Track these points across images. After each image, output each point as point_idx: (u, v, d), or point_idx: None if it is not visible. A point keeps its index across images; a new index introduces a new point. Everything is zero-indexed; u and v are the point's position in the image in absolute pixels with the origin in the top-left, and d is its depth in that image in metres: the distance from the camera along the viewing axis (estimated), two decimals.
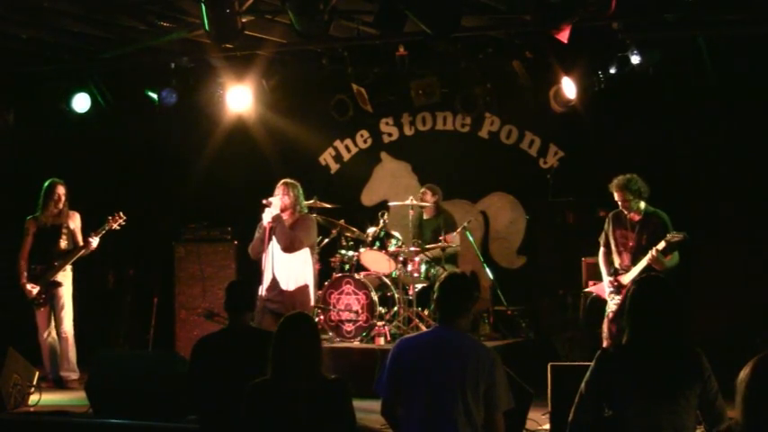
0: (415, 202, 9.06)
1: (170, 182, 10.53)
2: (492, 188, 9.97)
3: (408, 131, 10.28)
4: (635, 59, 7.93)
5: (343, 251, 8.95)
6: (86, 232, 8.30)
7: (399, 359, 4.30)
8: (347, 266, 8.87)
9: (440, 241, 8.98)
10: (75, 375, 8.28)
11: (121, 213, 8.27)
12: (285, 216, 7.13)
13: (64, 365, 8.29)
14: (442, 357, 4.20)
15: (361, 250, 8.90)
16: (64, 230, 8.30)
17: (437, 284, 4.40)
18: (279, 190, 7.21)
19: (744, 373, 2.98)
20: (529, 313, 9.24)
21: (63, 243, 8.29)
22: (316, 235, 7.53)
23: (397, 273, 8.71)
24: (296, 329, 4.17)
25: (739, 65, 8.32)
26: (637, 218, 7.11)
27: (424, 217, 9.48)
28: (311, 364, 4.09)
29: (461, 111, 9.59)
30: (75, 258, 8.28)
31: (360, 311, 8.49)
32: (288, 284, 7.10)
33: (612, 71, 8.20)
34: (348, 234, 8.98)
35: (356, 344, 8.38)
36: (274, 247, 7.07)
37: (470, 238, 9.20)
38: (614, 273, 7.19)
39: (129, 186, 10.39)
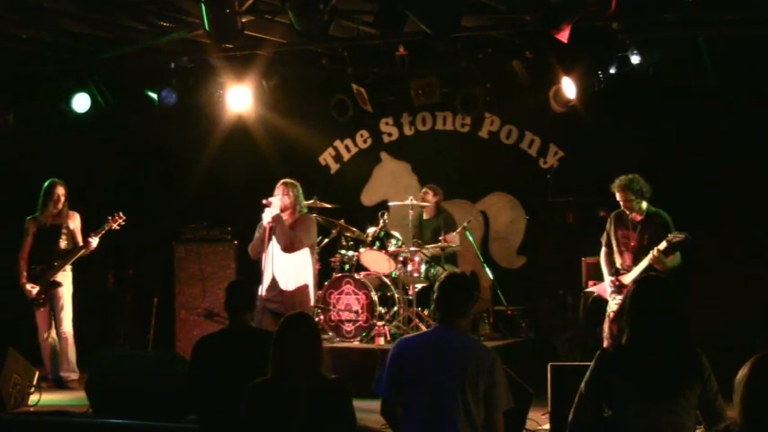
0: (415, 201, 9.06)
1: (170, 182, 10.53)
2: (492, 188, 9.98)
3: (408, 131, 10.28)
4: (635, 59, 7.93)
5: (343, 251, 8.95)
6: (86, 232, 8.30)
7: (399, 359, 4.30)
8: (347, 266, 8.87)
9: (440, 241, 8.98)
10: (75, 375, 8.28)
11: (121, 213, 8.27)
12: (285, 216, 7.13)
13: (64, 365, 8.29)
14: (442, 357, 4.20)
15: (361, 250, 8.90)
16: (64, 230, 8.30)
17: (437, 284, 4.40)
18: (279, 190, 7.21)
19: (742, 373, 2.98)
20: (529, 313, 9.24)
21: (63, 243, 8.29)
22: (315, 235, 7.53)
23: (397, 273, 8.72)
24: (296, 329, 4.17)
25: (739, 65, 8.32)
26: (638, 218, 7.11)
27: (425, 217, 9.49)
28: (311, 363, 4.09)
29: (461, 111, 9.59)
30: (74, 258, 8.28)
31: (360, 311, 8.49)
32: (287, 284, 7.10)
33: (612, 71, 8.20)
34: (348, 234, 8.98)
35: (356, 344, 8.37)
36: (274, 247, 7.07)
37: (470, 238, 9.20)
38: (616, 273, 7.19)
39: (129, 186, 10.40)
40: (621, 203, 7.12)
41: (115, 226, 8.26)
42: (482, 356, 4.22)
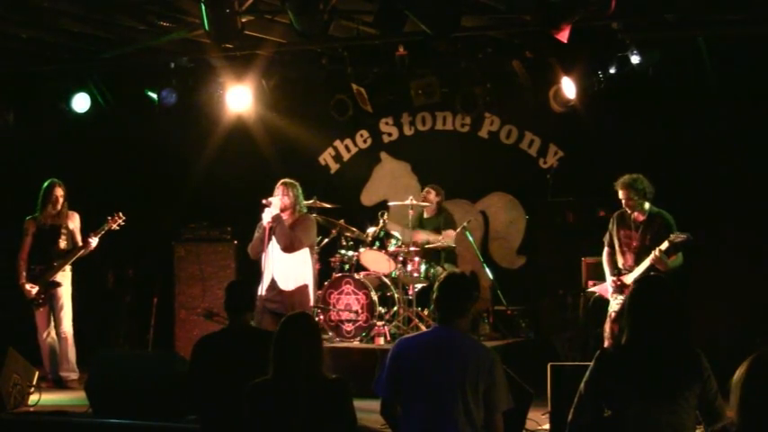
0: (415, 201, 9.07)
1: (170, 182, 10.53)
2: (492, 188, 9.98)
3: (408, 131, 10.28)
4: (635, 59, 7.93)
5: (342, 251, 8.96)
6: (86, 232, 8.30)
7: (399, 359, 4.30)
8: (347, 266, 8.88)
9: (439, 234, 9.00)
10: (74, 375, 8.28)
11: (121, 214, 8.27)
12: (285, 216, 7.13)
13: (63, 365, 8.29)
14: (442, 357, 4.19)
15: (361, 250, 8.90)
16: (63, 231, 8.30)
17: (436, 284, 4.39)
18: (278, 190, 7.21)
19: (739, 373, 2.98)
20: (529, 313, 9.25)
21: (62, 243, 8.29)
22: (315, 235, 7.53)
23: (397, 273, 8.72)
24: (297, 329, 4.17)
25: (739, 65, 8.32)
26: (641, 218, 7.11)
27: (425, 216, 9.49)
28: (312, 363, 4.09)
29: (461, 111, 9.59)
30: (74, 258, 8.28)
31: (359, 311, 8.50)
32: (287, 284, 7.10)
33: (612, 71, 8.19)
34: (348, 234, 8.98)
35: (356, 344, 8.38)
36: (274, 246, 7.07)
37: (470, 238, 9.21)
38: (617, 273, 7.19)
39: (129, 186, 10.39)
40: (623, 202, 7.11)
41: (115, 226, 8.26)
42: (482, 356, 4.22)
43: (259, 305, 6.77)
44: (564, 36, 6.58)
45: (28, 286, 8.23)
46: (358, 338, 8.45)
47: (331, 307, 8.56)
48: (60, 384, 8.23)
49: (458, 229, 9.14)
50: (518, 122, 9.84)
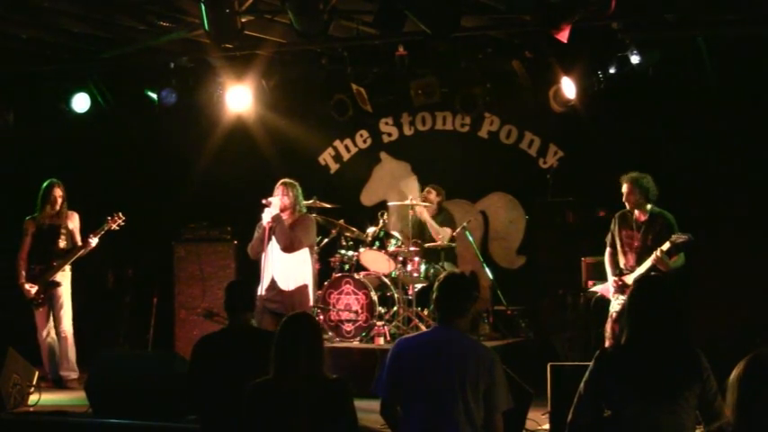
0: (414, 201, 9.07)
1: (170, 182, 10.53)
2: (491, 188, 9.98)
3: (408, 131, 10.28)
4: (635, 59, 7.93)
5: (342, 251, 8.96)
6: (86, 232, 8.30)
7: (399, 359, 4.30)
8: (347, 266, 8.88)
9: (439, 240, 9.01)
10: (74, 375, 8.28)
11: (120, 214, 8.27)
12: (285, 216, 7.13)
13: (63, 365, 8.29)
14: (442, 357, 4.19)
15: (361, 250, 8.90)
16: (62, 231, 8.30)
17: (436, 284, 4.39)
18: (278, 190, 7.21)
19: (735, 373, 2.98)
20: (529, 313, 9.24)
21: (62, 243, 8.29)
22: (315, 235, 7.53)
23: (397, 273, 8.72)
24: (298, 329, 4.17)
25: (739, 65, 8.32)
26: (642, 218, 7.10)
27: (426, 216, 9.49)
28: (313, 363, 4.09)
29: (461, 111, 9.59)
30: (73, 258, 8.28)
31: (359, 311, 8.50)
32: (287, 284, 7.10)
33: (612, 71, 8.19)
34: (348, 234, 8.98)
35: (356, 344, 8.38)
36: (274, 247, 7.07)
37: (470, 238, 9.21)
38: (619, 273, 7.18)
39: (129, 186, 10.39)
40: (624, 196, 7.10)
41: (114, 226, 8.26)
42: (482, 356, 4.22)
43: (259, 305, 6.77)
44: (564, 36, 6.58)
45: (27, 286, 8.23)
46: (358, 338, 8.45)
47: (331, 307, 8.56)
48: (60, 384, 8.23)
49: (457, 229, 9.14)
50: (518, 122, 9.83)
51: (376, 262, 8.90)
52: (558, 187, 9.14)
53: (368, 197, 10.42)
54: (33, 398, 7.36)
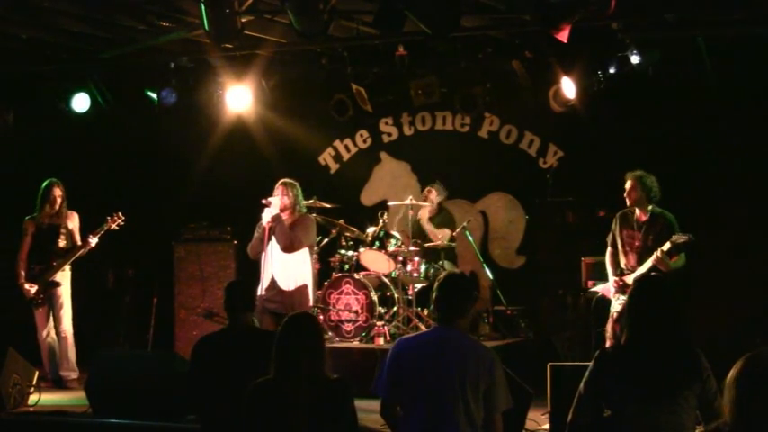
0: (414, 201, 9.07)
1: (170, 182, 10.53)
2: (491, 188, 9.98)
3: (408, 131, 10.28)
4: (635, 59, 7.93)
5: (342, 251, 8.96)
6: (86, 232, 8.30)
7: (399, 359, 4.30)
8: (347, 266, 8.88)
9: (439, 240, 9.01)
10: (74, 375, 8.28)
11: (120, 214, 8.27)
12: (284, 216, 7.14)
13: (63, 365, 8.29)
14: (442, 357, 4.19)
15: (361, 250, 8.90)
16: (62, 230, 8.30)
17: (436, 284, 4.39)
18: (278, 190, 7.21)
19: (732, 372, 2.98)
20: (528, 313, 9.24)
21: (61, 243, 8.29)
22: (315, 235, 7.54)
23: (397, 273, 8.72)
24: (299, 329, 4.16)
25: (739, 65, 8.32)
26: (643, 218, 7.10)
27: (426, 216, 9.49)
28: (314, 364, 4.08)
29: (461, 110, 9.59)
30: (73, 258, 8.28)
31: (359, 311, 8.50)
32: (287, 284, 7.11)
33: (612, 71, 8.19)
34: (348, 234, 8.98)
35: (356, 344, 8.38)
36: (273, 247, 7.07)
37: (470, 238, 9.21)
38: (620, 273, 7.18)
39: (129, 186, 10.39)
40: (626, 192, 7.09)
41: (114, 226, 8.26)
42: (482, 356, 4.22)
43: (258, 305, 6.77)
44: (564, 36, 6.57)
45: (27, 286, 8.23)
46: (358, 338, 8.45)
47: (331, 307, 8.56)
48: (60, 384, 8.22)
49: (457, 230, 9.14)
50: (518, 122, 9.83)
51: (376, 262, 8.90)
52: (557, 187, 9.14)
53: (368, 197, 10.41)
54: (33, 398, 7.37)
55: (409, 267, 8.79)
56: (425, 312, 8.62)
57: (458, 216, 9.52)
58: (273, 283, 7.10)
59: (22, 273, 8.26)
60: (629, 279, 7.02)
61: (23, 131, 9.90)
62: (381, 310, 8.58)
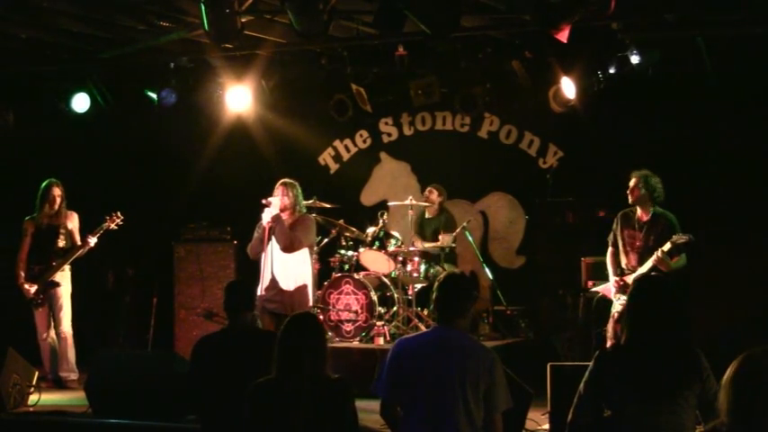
0: (414, 201, 9.06)
1: (170, 182, 10.53)
2: (491, 188, 9.99)
3: (408, 131, 10.28)
4: (634, 59, 7.93)
5: (342, 251, 8.96)
6: (85, 232, 8.30)
7: (399, 359, 4.30)
8: (347, 266, 8.88)
9: (439, 240, 9.00)
10: (74, 375, 8.27)
11: (119, 213, 8.26)
12: (284, 216, 7.13)
13: (63, 365, 8.28)
14: (442, 357, 4.19)
15: (361, 250, 8.90)
16: (62, 231, 8.29)
17: (436, 284, 4.39)
18: (278, 190, 7.21)
19: (729, 372, 2.98)
20: (528, 313, 9.24)
21: (61, 243, 8.28)
22: (315, 235, 7.54)
23: (397, 273, 8.71)
24: (302, 329, 4.16)
25: (739, 65, 8.32)
26: (645, 218, 7.09)
27: (426, 216, 9.50)
28: (317, 363, 4.08)
29: (461, 111, 9.59)
30: (72, 258, 8.27)
31: (359, 311, 8.50)
32: (287, 284, 7.11)
33: (612, 71, 8.19)
34: (347, 234, 8.98)
35: (355, 344, 8.38)
36: (273, 247, 7.07)
37: (470, 238, 9.21)
38: (621, 273, 7.17)
39: (129, 186, 10.39)
40: (629, 189, 7.08)
41: (113, 226, 8.25)
42: (482, 356, 4.22)
43: (258, 305, 6.78)
44: (564, 36, 6.57)
45: (27, 286, 8.22)
46: (357, 338, 8.45)
47: (330, 307, 8.56)
48: (60, 384, 8.22)
49: (457, 230, 9.13)
50: (518, 122, 9.84)
51: (376, 262, 8.90)
52: (557, 187, 9.14)
53: (368, 197, 10.42)
54: (33, 398, 7.36)
55: (409, 267, 8.79)
56: (425, 312, 8.62)
57: (458, 216, 9.52)
58: (273, 283, 7.09)
59: (22, 273, 8.26)
60: (630, 279, 7.02)
61: (23, 131, 9.89)
62: (381, 310, 8.58)
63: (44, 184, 8.35)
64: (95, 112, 9.52)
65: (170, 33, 8.21)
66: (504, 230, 9.95)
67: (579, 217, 9.01)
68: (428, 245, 9.07)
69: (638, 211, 7.13)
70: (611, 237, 7.32)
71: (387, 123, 10.32)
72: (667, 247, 6.79)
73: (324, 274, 8.96)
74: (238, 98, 9.31)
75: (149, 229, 10.07)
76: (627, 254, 7.17)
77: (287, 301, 7.03)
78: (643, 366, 3.85)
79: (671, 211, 7.12)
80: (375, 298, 8.47)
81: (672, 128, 8.75)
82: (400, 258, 8.75)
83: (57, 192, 8.32)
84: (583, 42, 7.54)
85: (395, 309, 8.64)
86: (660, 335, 3.90)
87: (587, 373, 4.00)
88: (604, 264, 7.42)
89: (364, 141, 10.45)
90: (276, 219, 7.04)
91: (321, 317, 8.50)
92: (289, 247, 7.03)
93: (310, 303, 7.35)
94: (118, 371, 6.82)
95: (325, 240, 9.03)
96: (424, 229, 9.40)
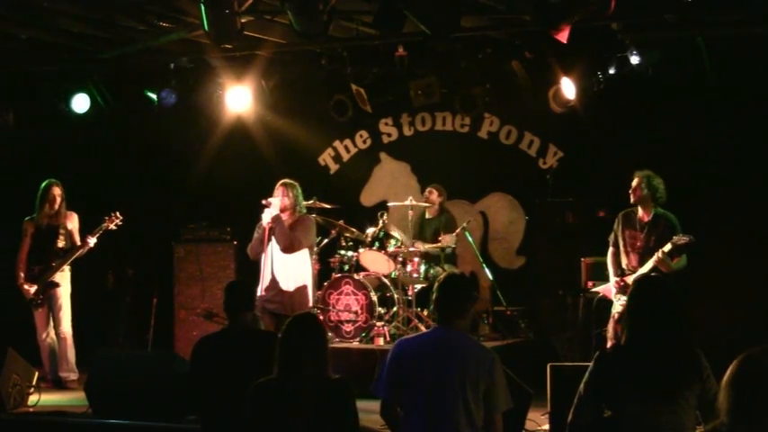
0: (414, 202, 9.06)
1: (170, 182, 10.53)
2: (491, 188, 9.98)
3: (408, 132, 10.28)
4: (634, 60, 7.93)
5: (342, 251, 8.95)
6: (85, 233, 8.30)
7: (399, 360, 4.30)
8: (346, 267, 8.88)
9: (439, 241, 9.00)
10: (74, 375, 8.27)
11: (118, 213, 8.26)
12: (284, 216, 7.14)
13: (63, 366, 8.28)
14: (442, 358, 4.19)
15: (361, 251, 8.90)
16: (61, 231, 8.29)
17: (436, 285, 4.39)
18: (278, 190, 7.21)
19: (728, 373, 2.98)
20: (528, 313, 9.24)
21: (60, 243, 8.28)
22: (315, 235, 7.54)
23: (397, 273, 8.71)
24: (305, 329, 4.16)
25: (739, 65, 8.32)
26: (646, 219, 7.09)
27: (427, 216, 9.50)
28: (318, 364, 4.08)
29: (461, 111, 9.59)
30: (72, 258, 8.27)
31: (359, 312, 8.50)
32: (287, 285, 7.11)
33: (612, 71, 8.19)
34: (347, 234, 8.98)
35: (355, 344, 8.37)
36: (273, 247, 7.07)
37: (469, 239, 9.20)
38: (621, 273, 7.17)
39: (129, 187, 10.39)
40: (631, 189, 7.08)
41: (112, 226, 8.25)
42: (482, 356, 4.22)
43: (258, 305, 6.78)
44: (563, 36, 6.58)
45: (26, 286, 8.23)
46: (357, 339, 8.44)
47: (330, 307, 8.55)
48: (60, 385, 8.22)
49: (457, 231, 9.13)
50: (517, 123, 9.83)
51: (375, 262, 8.90)
52: (557, 187, 9.14)
53: (367, 197, 10.41)
54: (33, 398, 7.36)
55: (409, 268, 8.79)
56: (425, 313, 8.61)
57: (458, 216, 9.52)
58: (273, 283, 7.10)
59: (22, 274, 8.26)
60: (631, 279, 7.01)
61: (23, 131, 9.89)
62: (381, 310, 8.57)
63: (44, 184, 8.35)
64: (95, 112, 9.53)
65: (170, 33, 8.21)
66: (504, 231, 9.95)
67: (579, 217, 9.01)
68: (428, 246, 9.06)
69: (640, 211, 7.13)
70: (612, 237, 7.31)
71: (387, 124, 10.32)
72: (668, 247, 6.79)
73: (324, 274, 8.96)
74: (238, 98, 9.31)
75: (149, 229, 10.07)
76: (628, 254, 7.17)
77: (287, 302, 7.03)
78: (643, 367, 3.86)
79: (671, 211, 7.12)
80: (375, 298, 8.47)
81: (672, 128, 8.75)
82: (400, 259, 8.75)
83: (56, 191, 8.32)
84: (583, 43, 7.54)
85: (395, 309, 8.64)
86: (660, 335, 3.90)
87: (587, 374, 4.00)
88: (604, 264, 7.42)
89: (364, 142, 10.45)
90: (276, 219, 7.04)
91: (321, 317, 8.50)
92: (289, 247, 7.03)
93: (310, 304, 7.35)
94: (118, 371, 6.82)
95: (325, 241, 9.03)
96: (425, 229, 9.39)
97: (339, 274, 8.75)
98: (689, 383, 3.83)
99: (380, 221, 8.94)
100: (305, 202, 7.51)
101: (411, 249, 8.80)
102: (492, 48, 8.79)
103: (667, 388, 3.82)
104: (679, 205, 7.33)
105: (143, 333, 9.63)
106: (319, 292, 8.45)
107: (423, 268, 8.85)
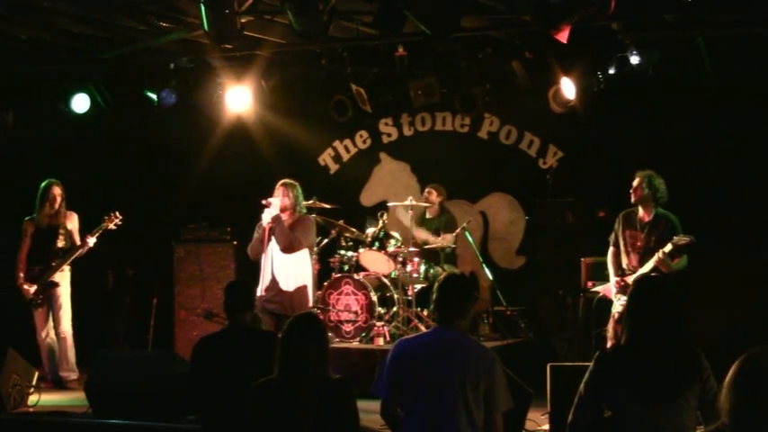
0: (414, 202, 9.06)
1: (170, 182, 10.53)
2: (491, 188, 9.98)
3: (407, 132, 10.28)
4: (634, 60, 7.92)
5: (342, 251, 8.95)
6: (84, 233, 8.30)
7: (399, 360, 4.30)
8: (346, 267, 8.88)
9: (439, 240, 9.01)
10: (74, 375, 8.27)
11: (117, 213, 8.26)
12: (284, 216, 7.14)
13: (63, 366, 8.28)
14: (442, 358, 4.19)
15: (361, 251, 8.90)
16: (61, 231, 8.29)
17: (436, 285, 4.39)
18: (278, 190, 7.21)
19: (730, 374, 2.98)
20: (528, 314, 9.24)
21: (60, 243, 8.28)
22: (315, 235, 7.54)
23: (397, 273, 8.71)
24: (306, 330, 4.16)
25: (739, 65, 8.32)
26: (646, 219, 7.09)
27: (427, 216, 9.49)
28: (319, 364, 4.08)
29: (461, 111, 9.59)
30: (72, 258, 8.27)
31: (359, 312, 8.50)
32: (287, 285, 7.11)
33: (612, 71, 8.19)
34: (347, 234, 8.98)
35: (355, 344, 8.37)
36: (273, 247, 7.08)
37: (469, 239, 9.20)
38: (621, 273, 7.17)
39: (129, 186, 10.39)
40: (632, 189, 7.07)
41: (111, 226, 8.25)
42: (482, 357, 4.22)
43: (258, 305, 6.77)
44: (563, 36, 6.57)
45: (26, 286, 8.23)
46: (357, 339, 8.44)
47: (330, 307, 8.56)
48: (60, 385, 8.22)
49: (456, 231, 9.13)
50: (517, 123, 9.83)
51: (375, 262, 8.90)
52: (557, 187, 9.14)
53: (367, 197, 10.41)
54: (33, 398, 7.36)
55: (409, 268, 8.79)
56: (425, 313, 8.62)
57: (458, 216, 9.52)
58: (273, 283, 7.10)
59: (22, 273, 8.26)
60: (631, 279, 7.01)
61: (23, 131, 9.90)
62: (381, 310, 8.57)
63: (44, 184, 8.36)
64: (95, 112, 9.53)
65: (170, 33, 8.21)
66: (504, 231, 9.95)
67: (579, 217, 9.01)
68: (429, 237, 9.06)
69: (641, 211, 7.13)
70: (612, 237, 7.31)
71: (387, 124, 10.32)
72: (669, 248, 6.78)
73: (324, 274, 8.96)
74: (238, 98, 9.32)
75: (149, 229, 10.07)
76: (628, 254, 7.17)
77: (287, 302, 7.03)
78: (643, 367, 3.85)
79: (671, 211, 7.11)
80: (375, 298, 8.47)
81: (672, 128, 8.75)
82: (400, 259, 8.75)
83: (56, 191, 8.32)
84: (583, 43, 7.54)
85: (395, 309, 8.64)
86: (660, 335, 3.89)
87: (587, 374, 4.00)
88: (604, 264, 7.41)
89: (364, 142, 10.45)
90: (276, 219, 7.04)
91: (321, 317, 8.50)
92: (289, 247, 7.04)
93: (310, 304, 7.35)
94: (118, 371, 6.82)
95: (325, 241, 9.03)
96: (425, 229, 9.38)
97: (339, 274, 8.75)
98: (689, 384, 3.82)
99: (380, 221, 8.93)
100: (305, 202, 7.51)
101: (411, 239, 8.76)
102: (492, 48, 8.79)
103: (667, 388, 3.82)
104: (679, 205, 7.33)
105: (143, 333, 9.63)
106: (319, 292, 8.45)
107: (423, 268, 8.85)
